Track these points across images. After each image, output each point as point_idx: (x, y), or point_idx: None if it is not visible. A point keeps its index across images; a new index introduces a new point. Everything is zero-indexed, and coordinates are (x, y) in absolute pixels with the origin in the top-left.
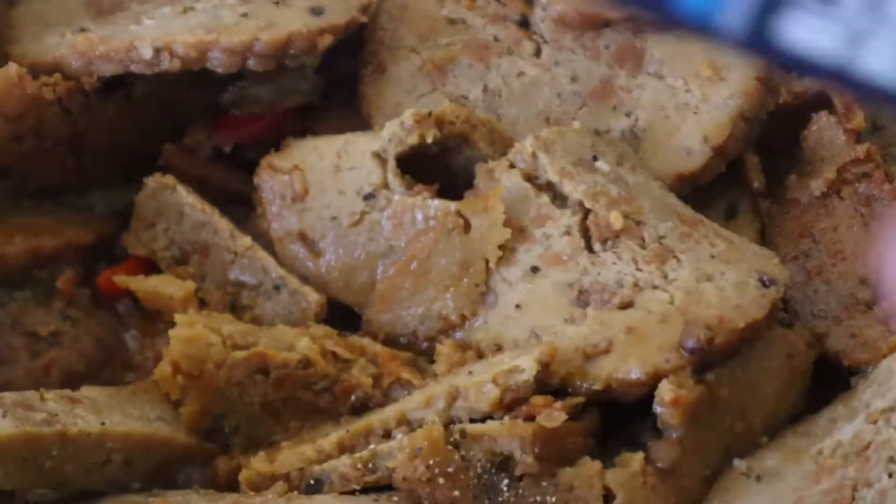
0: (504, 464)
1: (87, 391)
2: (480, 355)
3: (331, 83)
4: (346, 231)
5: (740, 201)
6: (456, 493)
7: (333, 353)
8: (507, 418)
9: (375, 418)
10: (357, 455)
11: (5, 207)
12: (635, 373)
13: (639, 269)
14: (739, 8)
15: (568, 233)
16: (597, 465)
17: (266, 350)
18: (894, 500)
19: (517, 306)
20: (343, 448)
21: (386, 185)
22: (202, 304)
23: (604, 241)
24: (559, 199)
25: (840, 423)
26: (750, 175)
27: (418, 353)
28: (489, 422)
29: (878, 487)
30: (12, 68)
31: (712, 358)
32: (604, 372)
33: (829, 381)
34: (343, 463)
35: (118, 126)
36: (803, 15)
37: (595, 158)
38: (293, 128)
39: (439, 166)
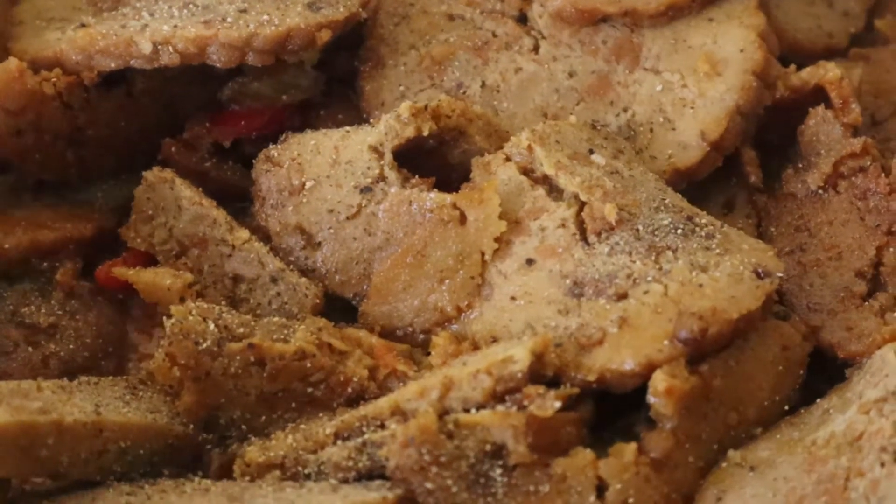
0: (497, 453)
1: (85, 381)
2: (476, 347)
3: (329, 79)
4: (343, 224)
5: (737, 195)
6: (448, 481)
7: (329, 345)
8: (499, 408)
9: (370, 408)
10: (350, 444)
11: (6, 201)
12: (629, 364)
13: (633, 261)
14: None
15: (563, 225)
16: (590, 455)
17: (262, 341)
18: (886, 490)
19: (512, 298)
20: (337, 437)
21: (383, 178)
22: (200, 297)
23: (599, 234)
24: (555, 191)
25: (833, 413)
26: (747, 169)
27: (414, 345)
28: (482, 411)
29: (871, 477)
30: (13, 63)
31: (706, 348)
32: (597, 363)
33: (825, 373)
34: (336, 452)
35: (118, 121)
36: None
37: (591, 152)
38: (292, 123)
39: (435, 160)
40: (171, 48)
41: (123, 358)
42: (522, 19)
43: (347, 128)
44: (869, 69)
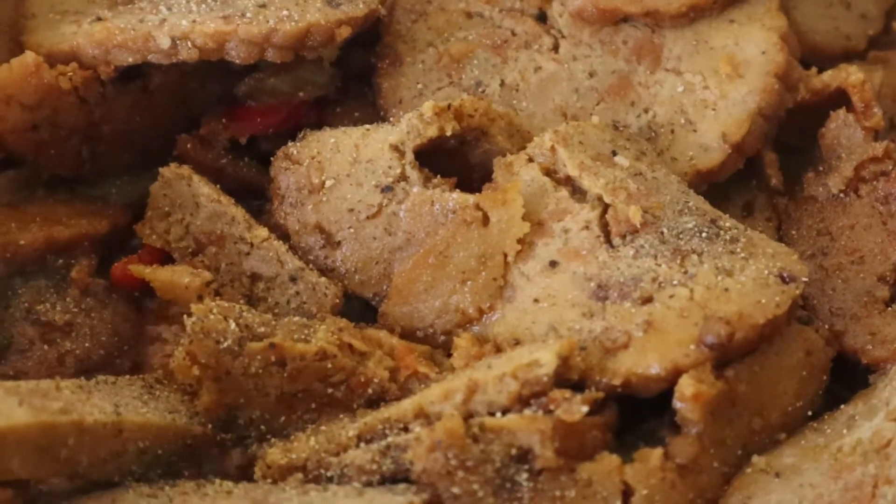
0: (523, 458)
1: (102, 381)
2: (498, 349)
3: (345, 76)
4: (364, 223)
5: (757, 198)
6: (475, 486)
7: (350, 346)
8: (526, 412)
9: (393, 410)
10: (374, 447)
11: (21, 196)
12: (655, 368)
13: (658, 265)
14: None
15: (587, 227)
16: (616, 460)
17: (282, 341)
18: None
19: (535, 300)
20: (360, 440)
21: (404, 178)
22: (217, 296)
23: (623, 236)
24: (578, 193)
25: (859, 420)
26: (767, 172)
27: (435, 346)
28: (508, 415)
29: None
30: (30, 57)
31: (732, 353)
32: (623, 367)
33: (847, 379)
34: (359, 455)
35: (134, 116)
36: None
37: (614, 153)
38: (308, 119)
39: (456, 159)
40: (189, 43)
41: (139, 356)
42: (542, 18)
43: (367, 126)
44: (887, 72)
